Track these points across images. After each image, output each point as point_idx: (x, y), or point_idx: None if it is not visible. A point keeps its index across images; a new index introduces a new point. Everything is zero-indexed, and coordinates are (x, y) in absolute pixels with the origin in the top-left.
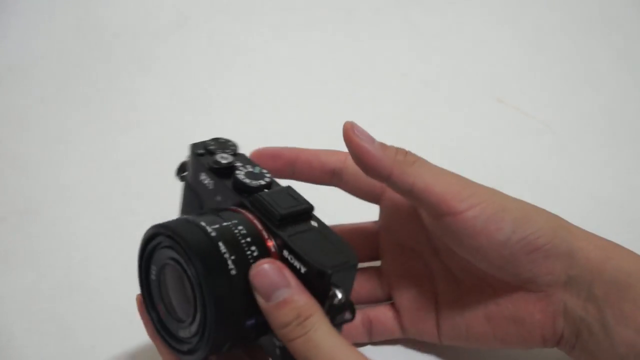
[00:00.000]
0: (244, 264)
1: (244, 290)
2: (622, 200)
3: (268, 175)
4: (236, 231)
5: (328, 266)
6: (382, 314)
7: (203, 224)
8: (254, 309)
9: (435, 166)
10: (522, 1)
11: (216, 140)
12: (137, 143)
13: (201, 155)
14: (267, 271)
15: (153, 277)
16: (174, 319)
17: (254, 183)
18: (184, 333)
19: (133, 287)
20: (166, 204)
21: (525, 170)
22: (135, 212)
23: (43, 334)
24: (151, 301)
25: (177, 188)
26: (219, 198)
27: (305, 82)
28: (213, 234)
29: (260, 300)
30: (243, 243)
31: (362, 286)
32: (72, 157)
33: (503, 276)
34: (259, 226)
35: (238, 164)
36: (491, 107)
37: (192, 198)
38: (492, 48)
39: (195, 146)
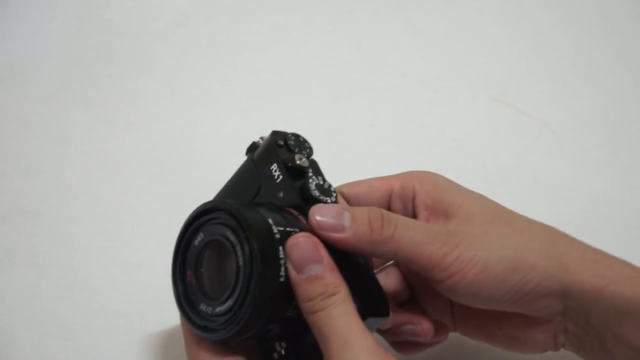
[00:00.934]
0: None
1: (283, 298)
2: (622, 200)
3: (335, 194)
4: None
5: (365, 308)
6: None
7: (270, 221)
8: (281, 318)
9: (418, 226)
10: (521, 1)
11: (296, 137)
12: (138, 143)
13: (279, 146)
14: (304, 244)
15: (196, 242)
16: (200, 292)
17: (321, 198)
18: (206, 309)
19: (133, 287)
20: (167, 204)
21: (525, 170)
22: (135, 212)
23: (44, 333)
24: (183, 263)
25: (177, 188)
26: (280, 194)
27: (306, 82)
28: (277, 235)
29: (292, 271)
30: None
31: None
32: (73, 157)
33: (498, 310)
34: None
35: (311, 172)
36: (491, 107)
37: (249, 181)
38: (492, 48)
39: (276, 134)
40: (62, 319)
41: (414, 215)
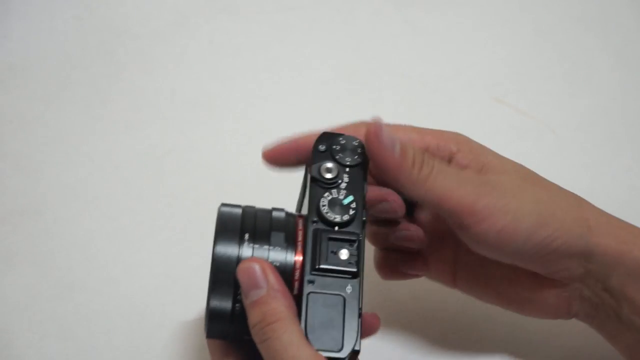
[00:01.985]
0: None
1: (237, 321)
2: (622, 200)
3: (354, 210)
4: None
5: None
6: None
7: (245, 242)
8: (241, 339)
9: (453, 172)
10: (521, 1)
11: (347, 142)
12: (138, 143)
13: (320, 152)
14: (249, 270)
15: None
16: None
17: (329, 215)
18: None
19: (133, 288)
20: (167, 204)
21: None
22: (136, 212)
23: (44, 334)
24: None
25: (177, 189)
26: (305, 203)
27: (306, 82)
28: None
29: (243, 297)
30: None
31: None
32: (73, 157)
33: (519, 266)
34: (298, 263)
35: (339, 182)
36: (491, 107)
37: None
38: (492, 48)
39: (322, 138)
40: (62, 319)
41: None
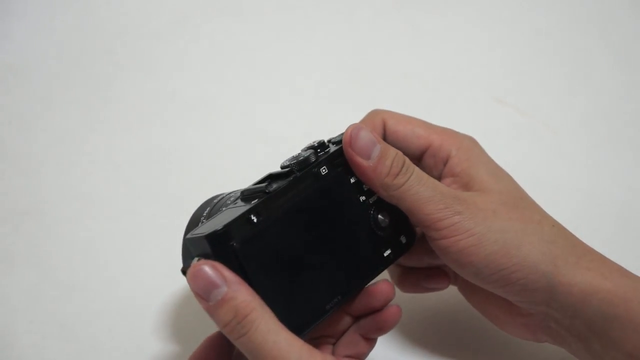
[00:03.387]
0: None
1: None
2: (622, 200)
3: (306, 155)
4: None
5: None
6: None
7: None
8: None
9: (430, 184)
10: (521, 1)
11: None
12: (138, 143)
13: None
14: (202, 271)
15: None
16: None
17: (283, 163)
18: None
19: (135, 288)
20: (167, 204)
21: (525, 170)
22: (136, 212)
23: (45, 334)
24: None
25: (177, 188)
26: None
27: (306, 82)
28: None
29: (202, 303)
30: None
31: None
32: (74, 157)
33: (485, 288)
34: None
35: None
36: (490, 107)
37: None
38: (492, 48)
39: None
40: (63, 319)
41: (440, 177)
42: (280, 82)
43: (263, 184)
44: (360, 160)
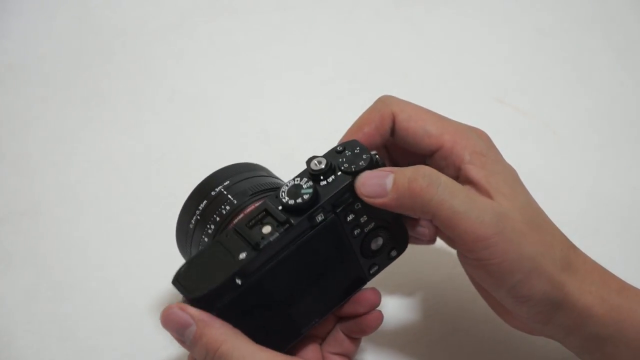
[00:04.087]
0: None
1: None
2: (622, 200)
3: (303, 201)
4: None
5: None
6: None
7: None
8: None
9: (459, 193)
10: (521, 1)
11: (362, 150)
12: (138, 143)
13: (338, 152)
14: (172, 314)
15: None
16: None
17: (282, 195)
18: None
19: (133, 288)
20: (166, 204)
21: (525, 170)
22: (135, 212)
23: (43, 334)
24: None
25: (177, 189)
26: None
27: (306, 82)
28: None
29: (182, 344)
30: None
31: None
32: (73, 157)
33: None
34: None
35: (321, 178)
36: (491, 107)
37: None
38: (492, 48)
39: (348, 143)
40: (62, 319)
41: (455, 178)
42: (280, 82)
43: (258, 216)
44: (380, 201)
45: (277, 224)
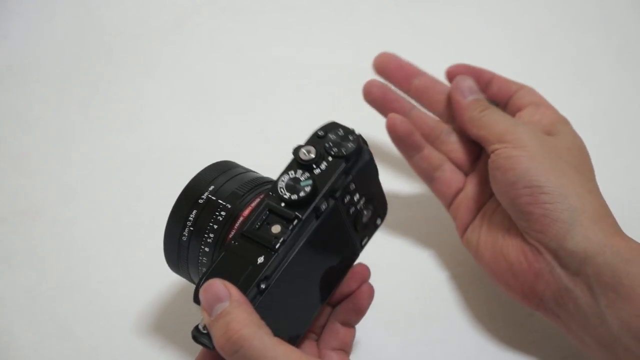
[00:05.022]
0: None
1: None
2: (622, 200)
3: (306, 194)
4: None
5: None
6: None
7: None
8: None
9: (502, 114)
10: (521, 1)
11: (345, 131)
12: (138, 143)
13: (318, 137)
14: (213, 285)
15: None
16: None
17: (281, 191)
18: None
19: (133, 288)
20: (167, 204)
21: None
22: (135, 212)
23: (44, 334)
24: None
25: (177, 189)
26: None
27: (306, 82)
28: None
29: (206, 317)
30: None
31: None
32: (73, 157)
33: (511, 215)
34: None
35: (314, 166)
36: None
37: None
38: (492, 48)
39: (327, 126)
40: (62, 319)
41: (504, 108)
42: (280, 82)
43: (262, 217)
44: (460, 100)
45: (286, 221)
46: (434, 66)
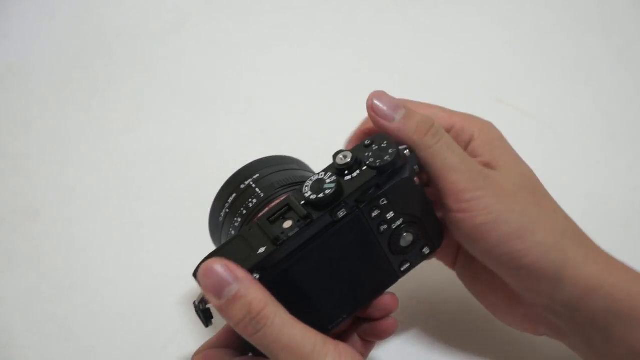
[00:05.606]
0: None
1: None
2: (622, 200)
3: (325, 196)
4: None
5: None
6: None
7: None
8: None
9: (459, 153)
10: (521, 1)
11: (389, 145)
12: (138, 143)
13: (365, 145)
14: (214, 270)
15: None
16: None
17: (305, 189)
18: None
19: (133, 288)
20: (166, 204)
21: None
22: (135, 213)
23: (44, 334)
24: None
25: (177, 189)
26: None
27: (306, 82)
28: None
29: (213, 300)
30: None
31: None
32: (73, 157)
33: (490, 268)
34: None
35: (346, 172)
36: (491, 107)
37: None
38: (492, 48)
39: (377, 136)
40: (62, 319)
41: None
42: (280, 82)
43: (281, 210)
44: (383, 122)
45: (298, 218)
46: (434, 66)
